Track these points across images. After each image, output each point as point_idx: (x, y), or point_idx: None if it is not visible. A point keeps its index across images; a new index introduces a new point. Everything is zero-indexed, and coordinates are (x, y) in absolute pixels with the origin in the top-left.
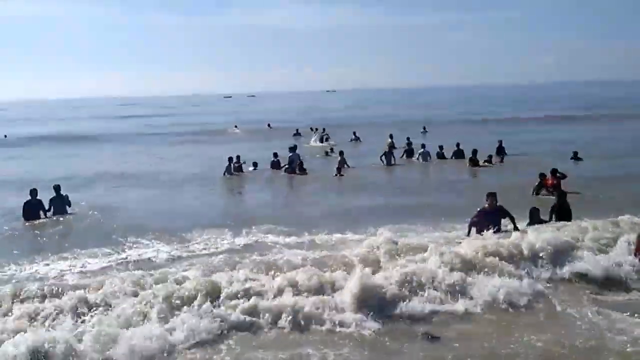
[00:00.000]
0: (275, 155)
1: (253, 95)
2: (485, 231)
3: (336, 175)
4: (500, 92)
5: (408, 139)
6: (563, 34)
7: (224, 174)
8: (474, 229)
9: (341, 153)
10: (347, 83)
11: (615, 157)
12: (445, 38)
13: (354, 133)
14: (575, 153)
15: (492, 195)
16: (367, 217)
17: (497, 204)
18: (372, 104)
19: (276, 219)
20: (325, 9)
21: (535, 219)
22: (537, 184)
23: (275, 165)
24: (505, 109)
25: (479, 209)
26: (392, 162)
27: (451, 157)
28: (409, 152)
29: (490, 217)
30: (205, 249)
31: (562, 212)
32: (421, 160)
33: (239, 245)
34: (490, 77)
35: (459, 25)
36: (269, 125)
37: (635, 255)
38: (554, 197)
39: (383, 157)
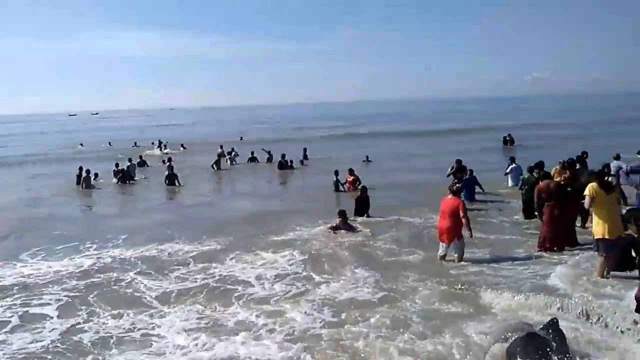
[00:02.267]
0: (117, 165)
1: (96, 113)
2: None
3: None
4: (315, 110)
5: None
6: (363, 62)
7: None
8: None
9: (169, 159)
10: (186, 102)
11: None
12: (272, 65)
13: (182, 145)
14: (367, 157)
15: (341, 214)
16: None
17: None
18: (208, 121)
19: None
20: (165, 38)
21: (343, 216)
22: (334, 180)
23: (116, 174)
24: (313, 123)
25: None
26: (222, 167)
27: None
28: (252, 159)
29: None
30: None
31: (363, 202)
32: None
33: None
34: (316, 98)
35: (281, 55)
36: (109, 143)
37: None
38: (350, 192)
39: (214, 164)
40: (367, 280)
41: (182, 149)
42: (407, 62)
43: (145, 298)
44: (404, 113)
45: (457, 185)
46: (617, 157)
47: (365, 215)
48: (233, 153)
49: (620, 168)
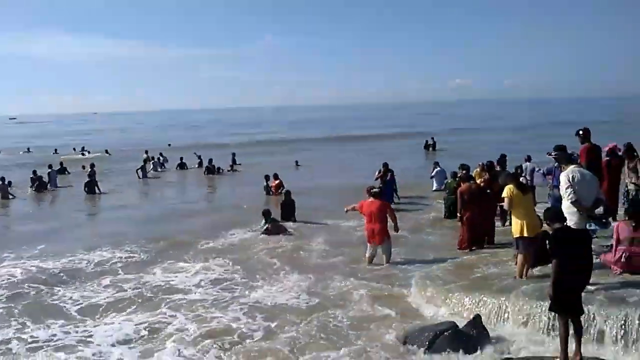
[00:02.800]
0: (35, 172)
1: (14, 117)
2: None
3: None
4: (242, 115)
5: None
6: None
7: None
8: None
9: (91, 165)
10: (107, 108)
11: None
12: (196, 70)
13: (106, 150)
14: (297, 162)
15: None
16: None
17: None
18: (133, 126)
19: None
20: (85, 41)
21: (267, 215)
22: (265, 185)
23: (33, 182)
24: (241, 129)
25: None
26: (147, 173)
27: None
28: (182, 165)
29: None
30: None
31: (288, 207)
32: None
33: None
34: (242, 103)
35: (204, 59)
36: (28, 149)
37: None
38: (276, 196)
39: (139, 170)
40: (298, 285)
41: (106, 154)
42: (332, 69)
43: (72, 309)
44: (331, 119)
45: (375, 189)
46: (529, 159)
47: (292, 219)
48: (162, 159)
49: (535, 169)
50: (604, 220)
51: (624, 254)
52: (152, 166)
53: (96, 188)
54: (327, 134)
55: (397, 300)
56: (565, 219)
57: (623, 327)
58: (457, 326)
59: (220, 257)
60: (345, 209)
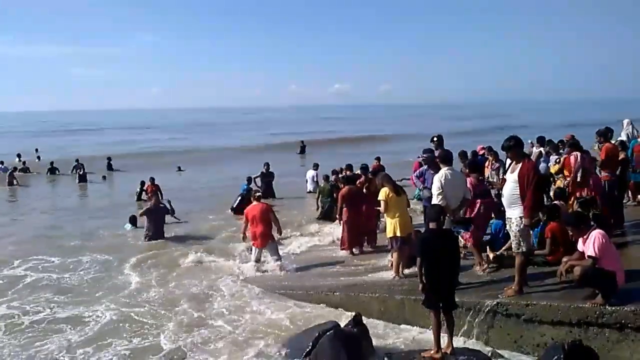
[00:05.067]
0: None
1: None
2: None
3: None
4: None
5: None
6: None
7: None
8: None
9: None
10: None
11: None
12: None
13: None
14: (179, 167)
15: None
16: None
17: None
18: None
19: None
20: None
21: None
22: (138, 189)
23: None
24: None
25: None
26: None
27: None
28: (52, 170)
29: None
30: None
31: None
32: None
33: None
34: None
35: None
36: None
37: None
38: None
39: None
40: (181, 292)
41: None
42: (211, 69)
43: None
44: (212, 123)
45: (258, 193)
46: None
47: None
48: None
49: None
50: (468, 224)
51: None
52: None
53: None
54: (209, 138)
55: (281, 302)
56: (441, 219)
57: (485, 320)
58: (338, 325)
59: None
60: (242, 236)
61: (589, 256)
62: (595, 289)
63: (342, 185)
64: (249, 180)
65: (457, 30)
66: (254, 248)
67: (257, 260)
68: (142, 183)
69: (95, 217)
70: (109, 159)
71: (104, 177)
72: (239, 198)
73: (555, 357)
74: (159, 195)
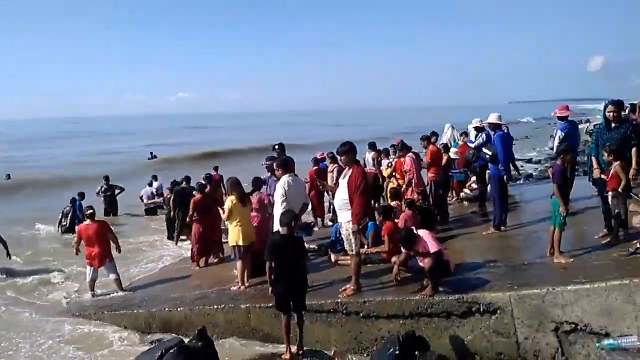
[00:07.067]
0: None
1: None
2: None
3: None
4: None
5: None
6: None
7: None
8: None
9: None
10: None
11: None
12: None
13: None
14: (8, 175)
15: None
16: None
17: None
18: None
19: None
20: None
21: None
22: None
23: None
24: None
25: None
26: None
27: None
28: None
29: None
30: None
31: None
32: None
33: None
34: None
35: None
36: None
37: None
38: None
39: None
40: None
41: None
42: (43, 76)
43: None
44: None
45: (90, 211)
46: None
47: None
48: None
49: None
50: (309, 229)
51: None
52: None
53: None
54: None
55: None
56: (292, 225)
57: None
58: (182, 341)
59: None
60: (74, 250)
61: (433, 252)
62: (435, 279)
63: (196, 193)
64: (82, 195)
65: (313, 45)
66: (88, 268)
67: (93, 282)
68: None
69: None
70: None
71: None
72: (69, 216)
73: (391, 349)
74: None
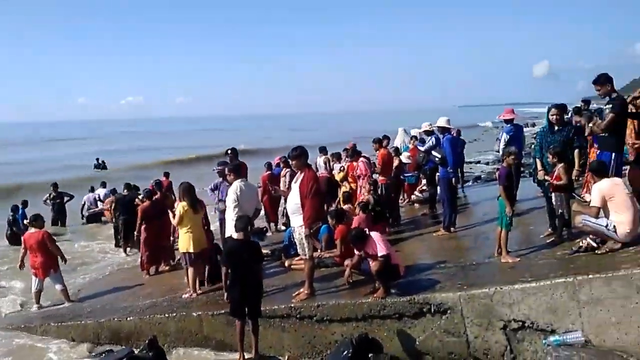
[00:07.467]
0: None
1: None
2: None
3: None
4: None
5: None
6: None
7: None
8: None
9: None
10: None
11: None
12: None
13: None
14: None
15: None
16: None
17: None
18: None
19: None
20: None
21: None
22: None
23: None
24: None
25: None
26: None
27: None
28: None
29: None
30: None
31: None
32: None
33: None
34: None
35: None
36: None
37: None
38: None
39: None
40: None
41: None
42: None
43: None
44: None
45: (33, 219)
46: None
47: None
48: None
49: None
50: (262, 234)
51: None
52: None
53: None
54: None
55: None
56: (248, 230)
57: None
58: (133, 352)
59: None
60: (19, 264)
61: (381, 256)
62: (384, 282)
63: (144, 200)
64: (25, 203)
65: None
66: (34, 278)
67: (39, 293)
68: None
69: None
70: None
71: None
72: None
73: (345, 352)
74: None
